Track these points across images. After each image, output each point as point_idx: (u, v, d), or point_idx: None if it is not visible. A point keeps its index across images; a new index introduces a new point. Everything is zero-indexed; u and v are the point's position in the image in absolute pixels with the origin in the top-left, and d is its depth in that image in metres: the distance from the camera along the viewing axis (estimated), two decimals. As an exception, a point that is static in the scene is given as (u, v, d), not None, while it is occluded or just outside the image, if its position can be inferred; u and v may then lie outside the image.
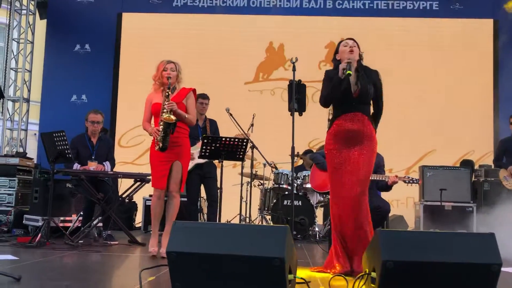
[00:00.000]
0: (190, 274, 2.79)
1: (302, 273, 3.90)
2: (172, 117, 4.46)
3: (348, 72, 3.79)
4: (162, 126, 4.50)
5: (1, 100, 7.81)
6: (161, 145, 4.52)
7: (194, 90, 4.87)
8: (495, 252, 2.85)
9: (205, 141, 5.39)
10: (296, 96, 3.81)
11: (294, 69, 3.93)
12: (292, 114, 3.84)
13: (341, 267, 3.82)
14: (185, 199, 6.74)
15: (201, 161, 5.85)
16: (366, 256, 3.22)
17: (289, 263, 2.81)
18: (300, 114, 3.95)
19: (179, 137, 4.71)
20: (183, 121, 4.71)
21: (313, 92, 8.80)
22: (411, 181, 5.18)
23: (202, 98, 6.36)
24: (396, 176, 5.18)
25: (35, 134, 10.23)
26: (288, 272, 2.79)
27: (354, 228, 3.88)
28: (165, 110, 4.50)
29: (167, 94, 4.58)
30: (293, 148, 4.00)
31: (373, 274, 2.94)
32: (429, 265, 2.81)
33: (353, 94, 3.89)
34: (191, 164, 6.10)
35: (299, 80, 3.98)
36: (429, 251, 2.84)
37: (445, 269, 2.81)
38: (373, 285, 2.92)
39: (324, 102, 4.00)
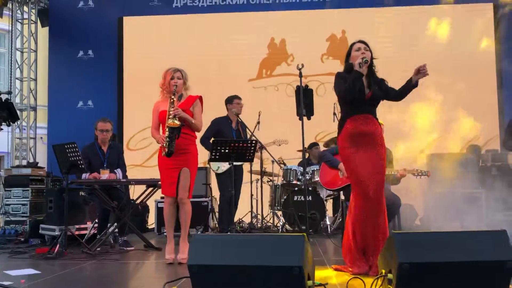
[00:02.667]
0: (212, 286, 2.87)
1: (321, 273, 4.00)
2: (177, 122, 4.54)
3: (365, 59, 3.90)
4: (167, 132, 4.58)
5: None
6: (167, 150, 4.59)
7: (200, 98, 4.93)
8: (509, 248, 2.92)
9: (216, 144, 5.48)
10: (304, 101, 3.84)
11: (300, 75, 3.97)
12: (301, 119, 3.88)
13: (359, 268, 3.91)
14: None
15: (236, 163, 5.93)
16: (381, 258, 3.30)
17: (307, 270, 2.89)
18: (309, 119, 4.00)
19: (187, 144, 4.78)
20: (190, 126, 4.77)
21: (317, 86, 8.86)
22: (420, 174, 5.25)
23: (238, 98, 6.58)
24: (405, 170, 5.25)
25: (41, 138, 10.31)
26: (307, 279, 2.88)
27: (373, 225, 3.95)
28: (170, 116, 4.58)
29: (172, 100, 4.66)
30: (304, 153, 4.04)
31: (390, 276, 3.02)
32: (444, 265, 2.88)
33: (365, 96, 4.00)
34: (226, 166, 6.30)
35: (306, 85, 4.02)
36: (443, 252, 2.91)
37: (459, 268, 2.88)
38: (390, 286, 3.00)
39: (344, 100, 4.05)
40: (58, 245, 5.30)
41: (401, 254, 2.89)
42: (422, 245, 2.93)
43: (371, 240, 3.93)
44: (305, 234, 2.91)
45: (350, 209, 4.05)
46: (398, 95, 4.21)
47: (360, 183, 3.95)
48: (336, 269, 4.13)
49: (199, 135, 5.39)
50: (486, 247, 2.91)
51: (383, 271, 3.14)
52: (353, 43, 4.14)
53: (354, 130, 3.99)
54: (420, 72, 4.07)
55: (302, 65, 4.04)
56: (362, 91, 3.98)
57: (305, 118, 4.10)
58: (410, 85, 4.12)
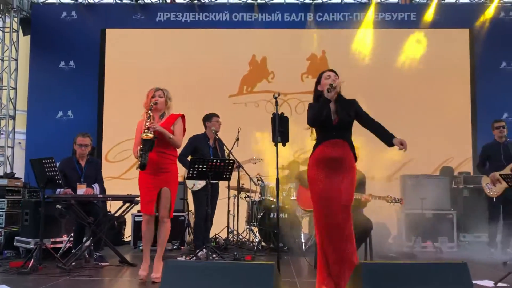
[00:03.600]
0: (183, 312, 2.94)
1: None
2: (150, 135, 4.61)
3: (331, 84, 4.01)
4: (141, 145, 4.65)
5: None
6: (140, 162, 4.65)
7: (182, 116, 5.01)
8: (468, 280, 3.06)
9: (193, 163, 5.55)
10: (280, 129, 3.96)
11: (276, 104, 4.09)
12: (276, 145, 3.99)
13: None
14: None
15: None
16: (349, 285, 3.40)
17: (276, 298, 2.98)
18: (284, 145, 4.11)
19: (167, 163, 4.86)
20: (168, 142, 4.83)
21: (296, 104, 9.02)
22: (393, 201, 5.38)
23: (217, 116, 6.69)
24: (370, 195, 5.39)
25: (19, 143, 10.25)
26: (276, 307, 2.97)
27: (338, 251, 4.04)
28: (145, 129, 4.65)
29: (148, 115, 4.74)
30: (277, 180, 4.15)
31: (356, 304, 3.13)
32: (407, 296, 3.00)
33: (333, 122, 4.07)
34: (202, 184, 6.36)
35: (282, 113, 4.13)
36: (408, 283, 3.03)
37: (422, 299, 3.01)
38: (356, 315, 3.11)
39: (313, 122, 4.13)
40: (32, 260, 5.31)
41: (367, 284, 3.00)
42: (387, 276, 3.05)
43: (337, 262, 3.99)
44: (273, 262, 3.00)
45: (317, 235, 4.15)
46: (371, 129, 4.25)
47: (320, 209, 4.03)
48: None
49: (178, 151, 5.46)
50: (448, 279, 3.04)
51: (350, 299, 3.25)
52: (323, 72, 4.24)
53: (321, 155, 4.07)
54: (402, 145, 4.15)
55: (279, 94, 4.16)
56: (329, 116, 4.05)
57: (281, 144, 4.20)
58: (387, 140, 4.19)
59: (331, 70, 4.24)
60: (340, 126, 4.12)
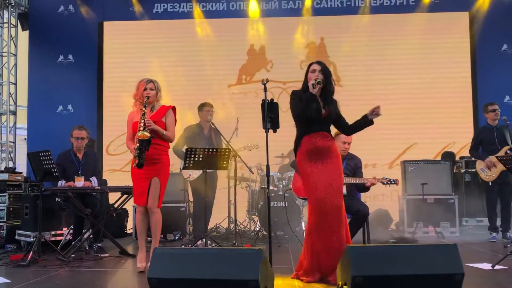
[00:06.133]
0: (171, 299, 2.96)
1: (283, 282, 4.10)
2: (146, 133, 4.60)
3: (318, 81, 4.13)
4: (137, 144, 4.65)
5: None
6: (137, 161, 4.66)
7: (173, 108, 5.00)
8: (458, 262, 3.04)
9: (188, 153, 5.56)
10: (269, 115, 3.95)
11: (265, 90, 4.07)
12: (266, 132, 3.99)
13: (312, 277, 4.08)
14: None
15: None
16: (339, 270, 3.40)
17: (264, 283, 2.98)
18: (275, 131, 4.11)
19: (159, 154, 4.86)
20: (161, 138, 4.85)
21: (296, 92, 8.95)
22: (389, 182, 5.35)
23: (209, 106, 6.90)
24: (374, 178, 5.36)
25: (24, 139, 10.29)
26: (264, 292, 2.97)
27: (326, 240, 4.07)
28: (140, 128, 4.64)
29: (142, 112, 4.72)
30: (268, 167, 4.16)
31: (345, 288, 3.13)
32: (396, 278, 3.00)
33: (322, 115, 4.22)
34: (197, 174, 6.38)
35: (272, 99, 4.12)
36: (396, 265, 3.02)
37: (411, 281, 3.00)
38: (345, 298, 3.11)
39: (300, 119, 4.26)
40: (31, 252, 5.35)
41: (355, 267, 3.00)
42: (375, 259, 3.05)
43: (324, 254, 4.05)
44: (261, 248, 3.00)
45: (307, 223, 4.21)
46: (348, 129, 4.48)
47: (316, 199, 4.10)
48: (293, 277, 4.26)
49: (172, 143, 5.46)
50: (437, 261, 3.03)
51: (340, 283, 3.25)
52: (311, 63, 4.34)
53: (313, 146, 4.20)
54: (374, 112, 4.21)
55: (267, 80, 4.15)
56: (318, 110, 4.19)
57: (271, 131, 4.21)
58: (367, 122, 4.29)
59: (318, 62, 4.32)
60: (327, 120, 4.30)
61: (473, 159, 7.77)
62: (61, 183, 6.02)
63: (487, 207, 7.00)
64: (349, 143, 5.58)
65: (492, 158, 6.70)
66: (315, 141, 4.20)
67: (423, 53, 9.04)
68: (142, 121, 4.65)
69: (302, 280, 4.10)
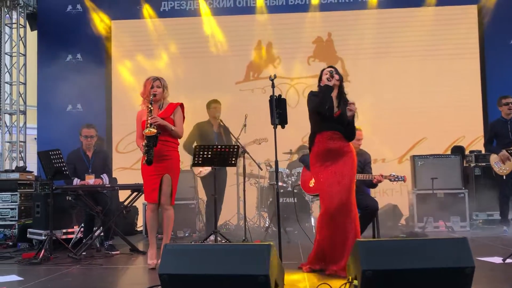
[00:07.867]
0: (182, 294, 2.97)
1: (293, 277, 4.12)
2: (153, 130, 4.62)
3: (332, 71, 4.27)
4: (145, 141, 4.67)
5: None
6: (146, 158, 4.68)
7: (181, 105, 5.02)
8: (468, 255, 3.02)
9: (198, 150, 5.58)
10: (277, 111, 3.96)
11: (273, 86, 4.07)
12: (274, 128, 4.00)
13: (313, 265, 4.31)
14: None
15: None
16: (349, 264, 3.40)
17: (274, 278, 2.99)
18: (283, 127, 4.12)
19: (168, 150, 4.89)
20: (170, 134, 4.86)
21: (304, 88, 8.96)
22: (396, 179, 5.32)
23: (216, 103, 6.94)
24: (381, 175, 5.34)
25: (34, 138, 10.37)
26: (274, 286, 2.98)
27: (342, 232, 4.14)
28: (147, 125, 4.66)
29: (149, 110, 4.74)
30: (276, 162, 4.16)
31: (355, 282, 3.13)
32: (407, 272, 2.99)
33: (334, 114, 4.28)
34: (207, 170, 6.41)
35: (279, 95, 4.13)
36: (406, 259, 3.01)
37: (421, 275, 2.99)
38: (355, 293, 3.11)
39: (316, 111, 4.31)
40: (43, 250, 5.40)
41: (364, 261, 3.00)
42: (385, 253, 3.04)
43: (331, 251, 4.21)
44: (271, 243, 3.01)
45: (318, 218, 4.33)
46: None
47: (325, 201, 4.23)
48: (299, 268, 4.43)
49: (181, 140, 5.49)
50: (447, 254, 3.02)
51: (350, 277, 3.25)
52: (324, 69, 4.44)
53: (321, 147, 4.31)
54: (348, 108, 4.27)
55: (275, 76, 4.16)
56: (331, 108, 4.26)
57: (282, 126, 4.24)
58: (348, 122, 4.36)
59: (331, 67, 4.43)
60: (340, 120, 4.34)
61: (483, 152, 7.73)
62: (76, 181, 6.08)
63: (500, 201, 6.97)
64: (360, 140, 5.61)
65: (506, 152, 6.64)
66: (327, 142, 4.28)
67: (432, 47, 8.99)
68: (149, 118, 4.67)
69: (302, 268, 4.34)
